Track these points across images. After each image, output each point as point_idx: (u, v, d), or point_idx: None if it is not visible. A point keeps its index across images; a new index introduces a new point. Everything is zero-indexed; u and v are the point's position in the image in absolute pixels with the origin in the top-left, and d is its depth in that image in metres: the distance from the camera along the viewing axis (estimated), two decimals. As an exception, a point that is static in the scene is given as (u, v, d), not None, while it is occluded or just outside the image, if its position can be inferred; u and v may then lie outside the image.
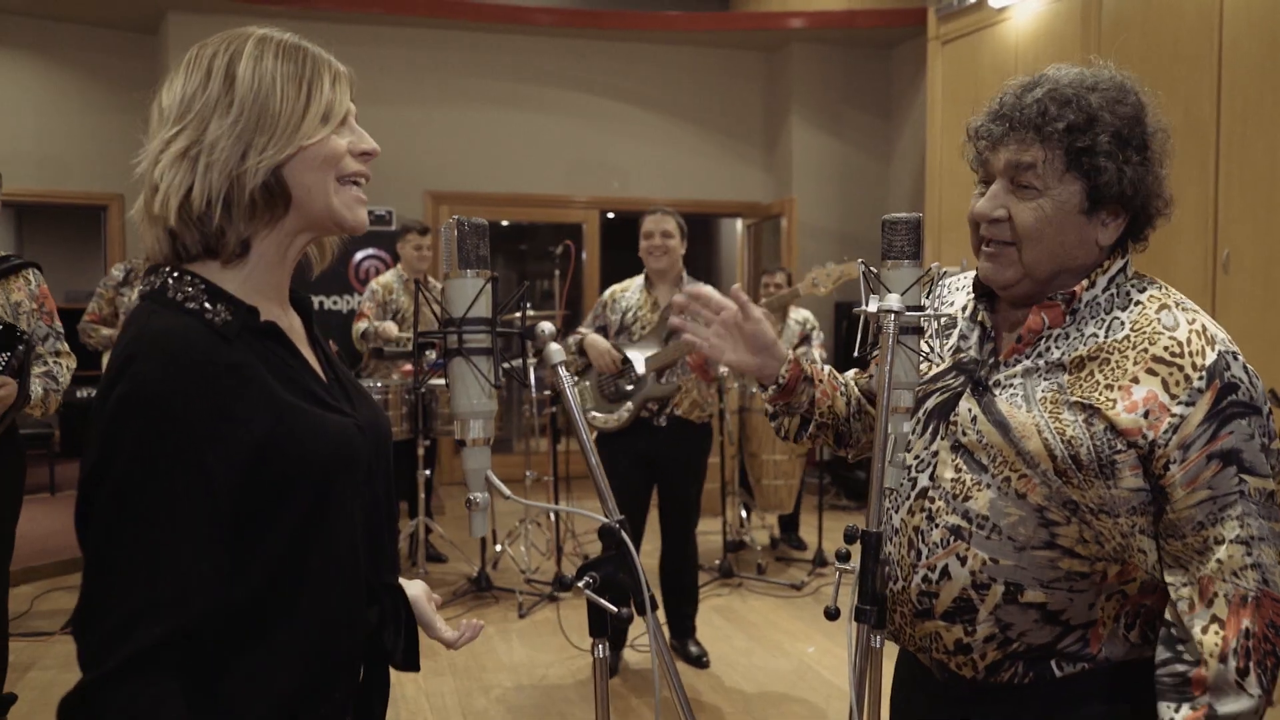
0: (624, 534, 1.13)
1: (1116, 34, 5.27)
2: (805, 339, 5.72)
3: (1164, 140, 1.34)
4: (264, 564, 1.08)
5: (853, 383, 1.68)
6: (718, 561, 5.34)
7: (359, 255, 7.36)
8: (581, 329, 4.10)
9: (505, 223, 9.05)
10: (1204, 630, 1.24)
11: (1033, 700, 1.36)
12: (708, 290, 1.57)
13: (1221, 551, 1.23)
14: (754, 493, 5.83)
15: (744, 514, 5.93)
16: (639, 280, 4.11)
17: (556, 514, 5.42)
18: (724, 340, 1.55)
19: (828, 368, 1.65)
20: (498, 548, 5.48)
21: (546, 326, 1.20)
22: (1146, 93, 1.35)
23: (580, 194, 8.31)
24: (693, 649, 4.14)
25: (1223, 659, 1.22)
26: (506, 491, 1.17)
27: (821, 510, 5.64)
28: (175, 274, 1.13)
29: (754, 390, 5.57)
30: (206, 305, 1.11)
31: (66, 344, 3.34)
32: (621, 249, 10.41)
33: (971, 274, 1.52)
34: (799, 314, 5.89)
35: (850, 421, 1.64)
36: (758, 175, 8.64)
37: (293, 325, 1.23)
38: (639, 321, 4.02)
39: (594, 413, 4.02)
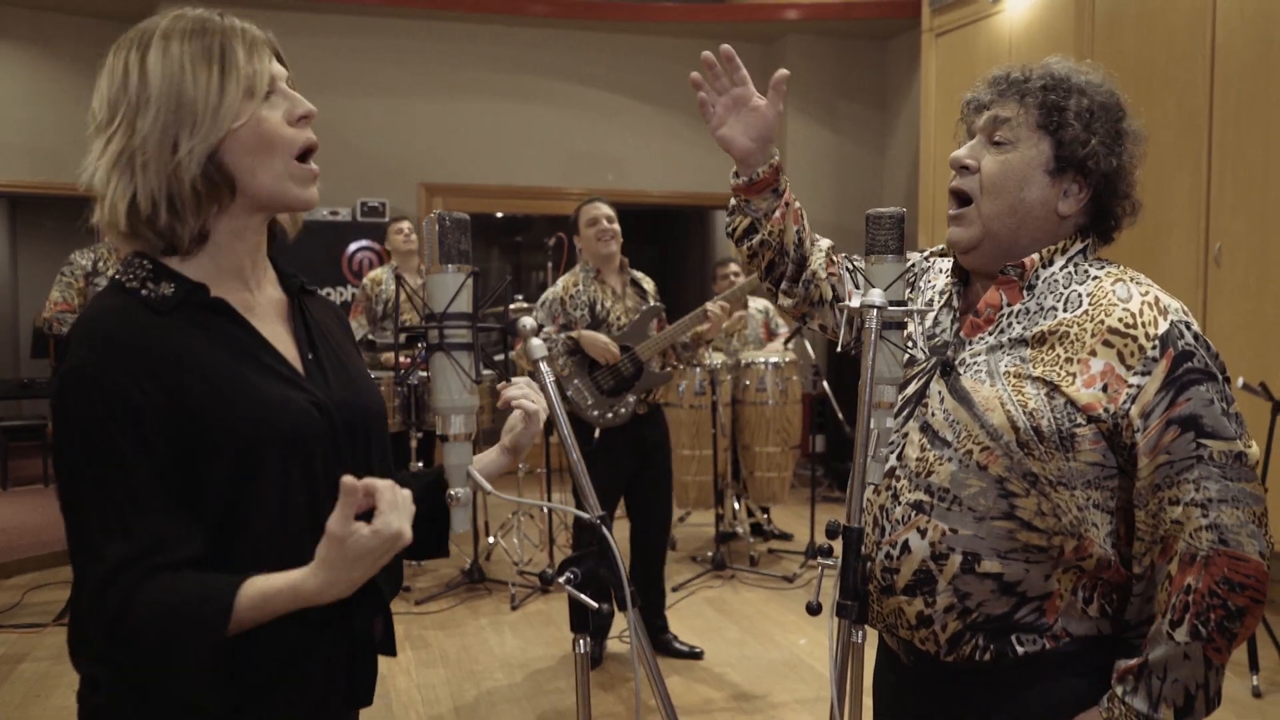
0: (605, 530, 1.14)
1: (1110, 27, 5.27)
2: (796, 332, 5.72)
3: (1137, 144, 1.41)
4: (203, 531, 1.10)
5: (822, 241, 1.71)
6: (710, 554, 5.35)
7: (353, 247, 7.34)
8: (548, 330, 4.01)
9: (499, 214, 9.04)
10: (1159, 588, 1.31)
11: (995, 680, 1.38)
12: (738, 60, 1.58)
13: (1177, 512, 1.28)
14: (747, 485, 5.84)
15: (736, 506, 5.95)
16: (578, 275, 4.08)
17: (550, 508, 5.42)
18: (728, 113, 1.57)
19: (799, 204, 1.68)
20: (490, 539, 5.49)
21: (528, 321, 1.20)
22: (1131, 104, 1.42)
23: (575, 186, 8.29)
24: (677, 645, 4.12)
25: (1163, 614, 1.29)
26: (488, 487, 1.17)
27: (814, 502, 5.65)
28: (131, 258, 1.16)
29: (745, 383, 5.58)
30: (148, 284, 1.14)
31: None
32: (616, 241, 10.43)
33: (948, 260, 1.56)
34: (759, 303, 5.98)
35: (787, 258, 1.65)
36: (752, 167, 8.62)
37: (257, 303, 1.23)
38: (611, 313, 4.02)
39: (595, 411, 3.96)
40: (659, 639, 4.13)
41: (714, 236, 10.60)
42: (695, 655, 4.09)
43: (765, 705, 3.66)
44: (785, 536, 5.96)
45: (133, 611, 1.02)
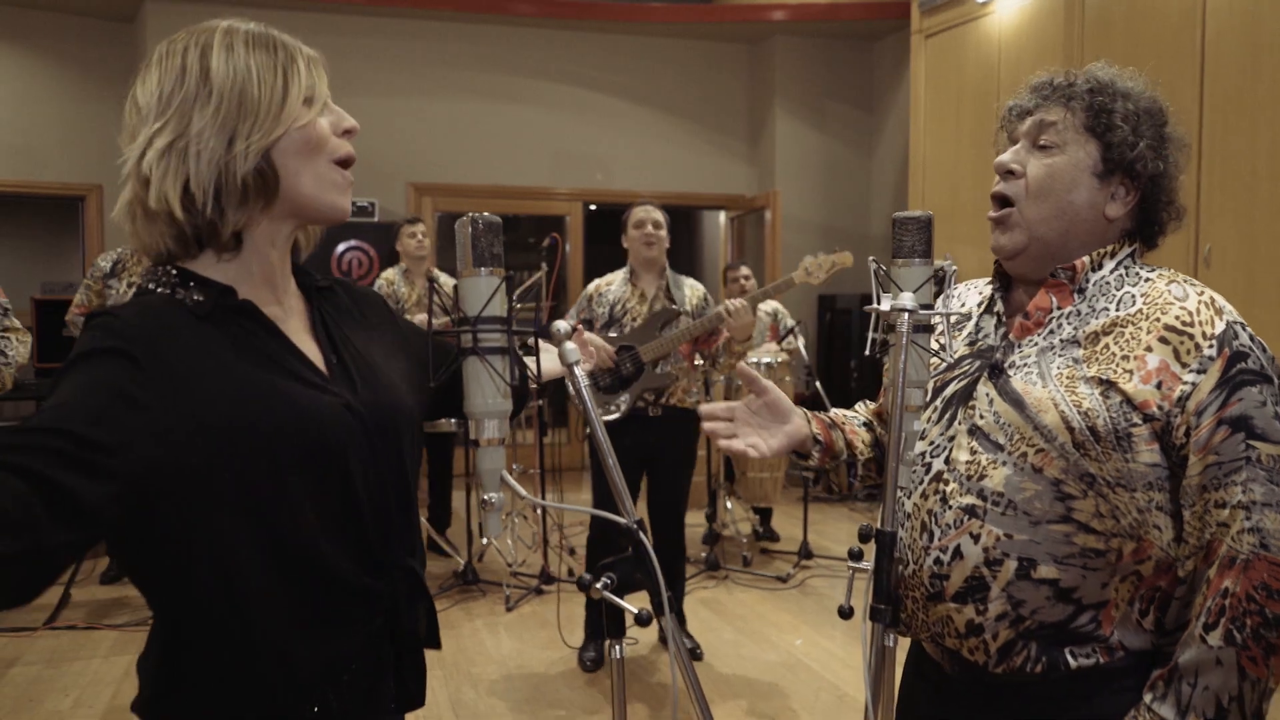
0: (642, 535, 1.13)
1: (1099, 28, 5.30)
2: (789, 333, 5.73)
3: (1181, 150, 1.41)
4: (217, 542, 1.07)
5: (861, 411, 1.72)
6: (704, 554, 5.35)
7: (341, 247, 7.30)
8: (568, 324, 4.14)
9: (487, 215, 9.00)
10: (1198, 592, 1.28)
11: (1044, 695, 1.35)
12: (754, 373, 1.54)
13: (1223, 515, 1.26)
14: (739, 485, 5.85)
15: (728, 506, 5.95)
16: (621, 273, 4.16)
17: (544, 508, 5.41)
18: (759, 433, 1.51)
19: (844, 415, 1.67)
20: (484, 540, 5.47)
21: (562, 325, 1.19)
22: (1174, 113, 1.43)
23: (563, 186, 8.28)
24: (685, 641, 4.14)
25: (1198, 617, 1.26)
26: (523, 492, 1.17)
27: (806, 503, 5.66)
28: (155, 268, 1.16)
29: (738, 384, 5.59)
30: (178, 290, 1.14)
31: (16, 320, 3.31)
32: (604, 241, 10.36)
33: (985, 279, 1.54)
34: (769, 305, 5.97)
35: (879, 448, 1.66)
36: (741, 168, 8.64)
37: (284, 310, 1.23)
38: (629, 314, 4.06)
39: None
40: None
41: (702, 236, 10.62)
42: (695, 655, 4.09)
43: (765, 706, 3.66)
44: (774, 537, 5.96)
45: None
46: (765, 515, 6.05)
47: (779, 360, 5.65)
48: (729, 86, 8.58)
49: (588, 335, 3.94)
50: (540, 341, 1.36)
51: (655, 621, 1.14)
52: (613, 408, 3.97)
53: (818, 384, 5.46)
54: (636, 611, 1.10)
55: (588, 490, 7.16)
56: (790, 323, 5.86)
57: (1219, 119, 4.66)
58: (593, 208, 8.73)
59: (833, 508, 6.90)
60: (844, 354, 7.64)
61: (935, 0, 6.41)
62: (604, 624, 1.16)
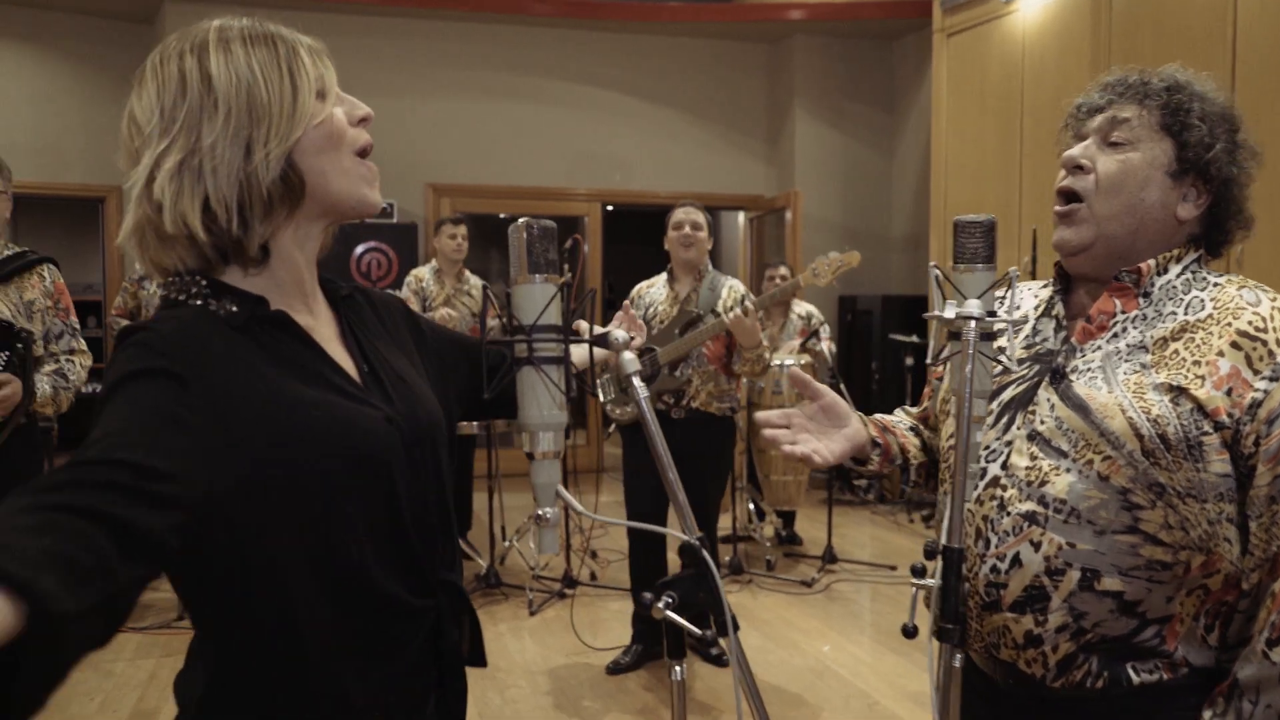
0: (704, 553, 1.09)
1: (1127, 27, 5.23)
2: (813, 334, 5.68)
3: (1253, 158, 1.39)
4: (259, 555, 1.03)
5: (904, 417, 1.70)
6: (727, 558, 5.31)
7: (360, 248, 7.28)
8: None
9: (503, 215, 8.99)
10: (1261, 606, 1.24)
11: (1104, 712, 1.31)
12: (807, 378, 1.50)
13: None
14: (762, 488, 5.80)
15: (751, 508, 5.91)
16: (663, 276, 4.16)
17: (567, 510, 5.37)
18: (819, 439, 1.47)
19: (896, 420, 1.65)
20: (506, 543, 5.45)
21: (619, 334, 1.15)
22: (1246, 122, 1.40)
23: (581, 186, 8.25)
24: (712, 650, 4.11)
25: (1260, 631, 1.22)
26: (578, 506, 1.14)
27: (831, 506, 5.61)
28: (181, 276, 1.10)
29: (760, 385, 5.55)
30: (210, 300, 1.08)
31: (83, 341, 3.26)
32: (623, 242, 10.33)
33: (1040, 283, 1.50)
34: (802, 308, 5.90)
35: (929, 453, 1.64)
36: (760, 168, 8.60)
37: (315, 318, 1.19)
38: (658, 316, 4.04)
39: (610, 406, 4.11)
40: (698, 645, 4.12)
41: (721, 236, 10.56)
42: (721, 661, 4.05)
43: (795, 714, 3.62)
44: (796, 540, 5.92)
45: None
46: (788, 519, 6.00)
47: (801, 362, 5.60)
48: (748, 86, 8.53)
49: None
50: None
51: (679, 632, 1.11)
52: (629, 408, 3.99)
53: (841, 386, 5.41)
54: (701, 634, 1.07)
55: (606, 493, 7.13)
56: (819, 325, 5.81)
57: (1250, 120, 4.52)
58: (610, 208, 8.70)
59: (855, 511, 6.85)
60: (865, 355, 7.57)
61: (958, -1, 6.36)
62: (665, 644, 1.13)
